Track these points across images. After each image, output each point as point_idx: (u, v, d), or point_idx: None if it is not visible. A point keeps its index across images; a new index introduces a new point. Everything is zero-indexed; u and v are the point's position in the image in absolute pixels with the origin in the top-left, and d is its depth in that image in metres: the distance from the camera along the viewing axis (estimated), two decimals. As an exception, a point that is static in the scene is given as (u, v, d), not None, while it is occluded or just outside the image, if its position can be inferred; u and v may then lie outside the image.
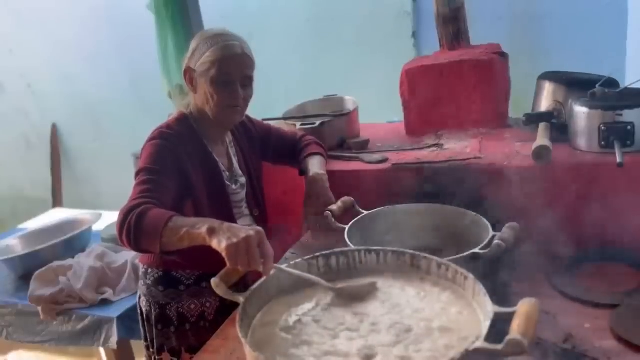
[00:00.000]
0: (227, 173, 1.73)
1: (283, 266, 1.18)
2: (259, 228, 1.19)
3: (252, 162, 1.85)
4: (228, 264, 1.15)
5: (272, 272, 1.16)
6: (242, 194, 1.77)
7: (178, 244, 1.30)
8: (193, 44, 1.64)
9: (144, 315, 1.77)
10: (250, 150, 1.85)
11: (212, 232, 1.21)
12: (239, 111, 1.65)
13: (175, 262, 1.66)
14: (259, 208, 1.83)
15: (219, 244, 1.17)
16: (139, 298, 1.80)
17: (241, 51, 1.60)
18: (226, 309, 1.65)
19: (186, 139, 1.62)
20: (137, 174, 1.50)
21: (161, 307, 1.71)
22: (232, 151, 1.79)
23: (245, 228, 1.18)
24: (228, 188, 1.71)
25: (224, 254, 1.15)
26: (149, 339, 1.78)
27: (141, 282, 1.77)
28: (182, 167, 1.57)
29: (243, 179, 1.78)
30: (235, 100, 1.61)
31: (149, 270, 1.73)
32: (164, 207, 1.41)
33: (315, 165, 1.80)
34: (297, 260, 1.20)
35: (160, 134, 1.59)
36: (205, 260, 1.51)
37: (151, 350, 1.77)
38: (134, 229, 1.33)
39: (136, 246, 1.37)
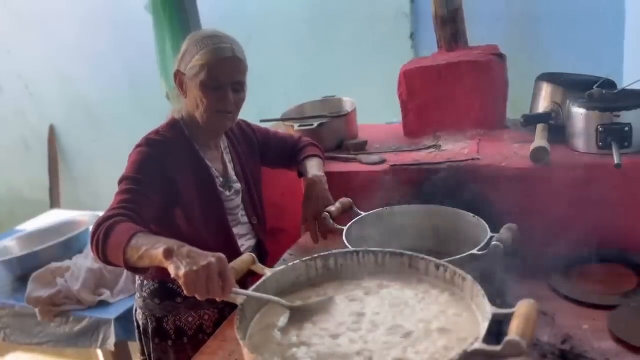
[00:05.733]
0: (221, 179, 1.68)
1: (248, 291, 1.11)
2: (221, 255, 1.11)
3: (251, 168, 1.80)
4: (185, 292, 1.08)
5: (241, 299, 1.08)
6: (237, 200, 1.71)
7: (139, 263, 1.25)
8: (183, 47, 1.59)
9: (141, 329, 1.73)
10: (249, 156, 1.81)
11: (169, 254, 1.12)
12: (229, 117, 1.60)
13: None
14: (258, 216, 1.79)
15: (177, 270, 1.09)
16: (135, 311, 1.76)
17: (232, 54, 1.54)
18: (225, 320, 1.63)
19: (176, 145, 1.58)
20: (120, 182, 1.48)
21: (158, 321, 1.67)
22: (227, 157, 1.74)
23: (206, 254, 1.11)
24: (221, 194, 1.66)
25: (181, 282, 1.08)
26: (146, 353, 1.74)
27: (137, 294, 1.73)
28: (168, 175, 1.53)
29: (238, 185, 1.72)
30: (225, 106, 1.56)
31: (145, 283, 1.68)
32: (141, 219, 1.39)
33: (314, 167, 1.79)
34: (295, 262, 1.20)
35: (147, 141, 1.55)
36: None
37: None
38: (102, 243, 1.31)
39: (104, 259, 1.34)
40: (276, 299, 1.10)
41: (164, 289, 1.65)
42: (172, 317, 1.66)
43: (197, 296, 1.08)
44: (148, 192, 1.46)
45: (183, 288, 1.08)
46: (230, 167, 1.73)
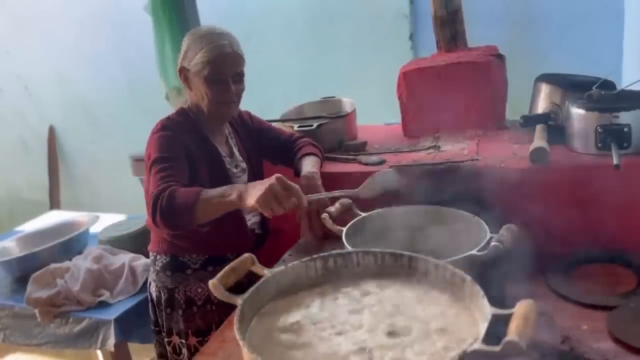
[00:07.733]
0: (228, 159, 1.84)
1: (319, 195, 1.61)
2: (278, 174, 1.43)
3: (253, 152, 1.95)
4: (265, 214, 1.42)
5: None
6: (244, 178, 1.86)
7: (212, 214, 1.53)
8: (185, 44, 1.75)
9: (154, 301, 1.88)
10: (249, 141, 1.96)
11: (240, 197, 1.46)
12: (232, 106, 1.78)
13: (183, 247, 1.77)
14: None
15: (250, 201, 1.42)
16: (149, 285, 1.91)
17: (231, 50, 1.71)
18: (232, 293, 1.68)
19: (186, 128, 1.75)
20: (152, 165, 1.62)
21: (169, 291, 1.81)
22: (231, 141, 1.90)
23: (265, 180, 1.42)
24: (229, 172, 1.81)
25: (257, 207, 1.40)
26: (159, 324, 1.88)
27: (151, 269, 1.88)
28: (187, 151, 1.69)
29: (244, 164, 1.88)
30: (228, 97, 1.74)
31: (158, 257, 1.83)
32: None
33: (308, 165, 1.84)
34: (295, 262, 1.20)
35: (162, 125, 1.72)
36: (211, 245, 1.78)
37: (162, 334, 1.87)
38: (167, 209, 1.49)
39: (172, 224, 1.54)
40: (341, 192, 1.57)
41: (175, 262, 1.80)
42: (182, 287, 1.80)
43: (278, 212, 1.43)
44: (180, 166, 1.65)
45: (262, 211, 1.44)
46: (235, 149, 1.89)
